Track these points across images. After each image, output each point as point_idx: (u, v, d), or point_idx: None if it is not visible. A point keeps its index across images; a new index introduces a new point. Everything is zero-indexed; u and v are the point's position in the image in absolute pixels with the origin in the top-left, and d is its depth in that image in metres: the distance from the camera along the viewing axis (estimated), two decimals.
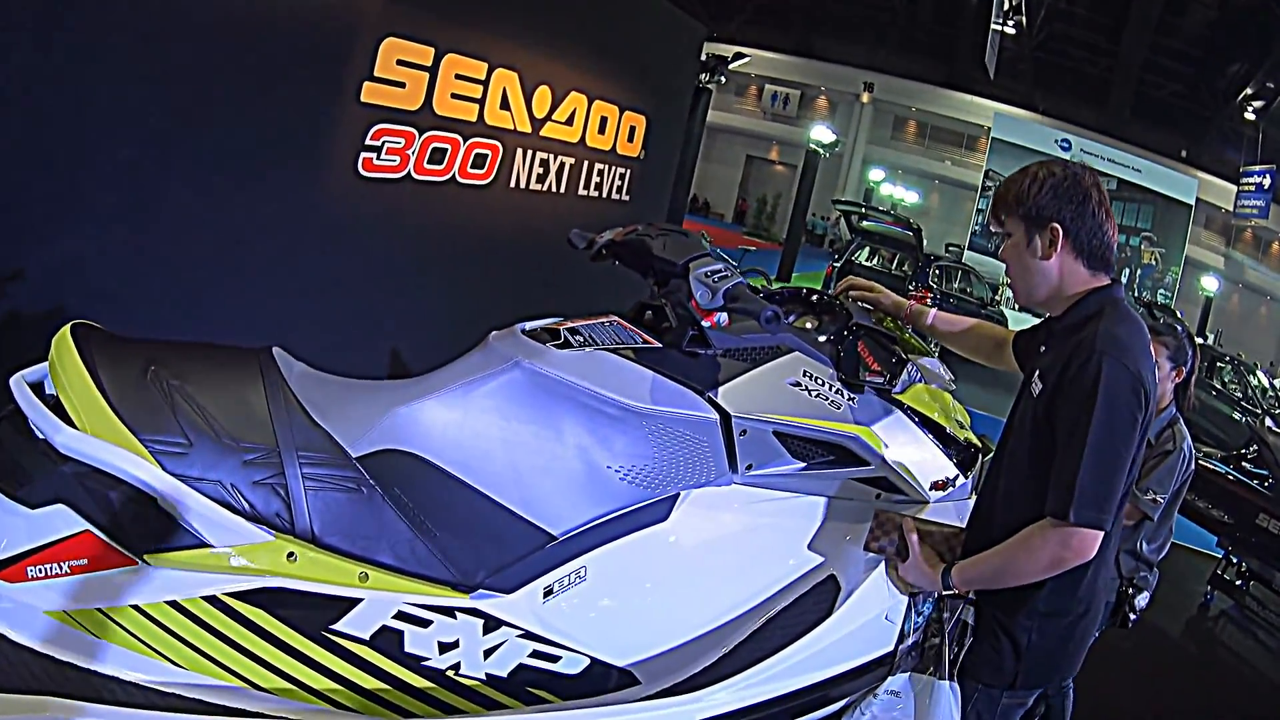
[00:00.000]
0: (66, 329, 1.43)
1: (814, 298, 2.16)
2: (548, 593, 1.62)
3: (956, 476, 2.03)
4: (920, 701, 1.73)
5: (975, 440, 2.17)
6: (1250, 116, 16.66)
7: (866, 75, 24.25)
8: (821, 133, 16.66)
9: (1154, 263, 18.63)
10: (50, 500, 1.33)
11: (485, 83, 3.59)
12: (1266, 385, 10.46)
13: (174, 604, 1.36)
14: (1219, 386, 9.76)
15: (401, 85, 3.20)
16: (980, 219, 22.81)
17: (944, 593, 1.72)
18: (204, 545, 1.37)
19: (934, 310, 2.13)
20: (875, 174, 23.92)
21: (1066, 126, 20.19)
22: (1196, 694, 4.01)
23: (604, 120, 4.41)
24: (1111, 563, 1.80)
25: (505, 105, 3.74)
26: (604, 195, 4.60)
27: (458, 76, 3.45)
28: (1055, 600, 1.68)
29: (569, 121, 4.17)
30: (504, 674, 1.60)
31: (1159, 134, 17.90)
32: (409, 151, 3.33)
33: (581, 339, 1.74)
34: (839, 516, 1.92)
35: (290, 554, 1.41)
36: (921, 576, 1.76)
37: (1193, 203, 20.45)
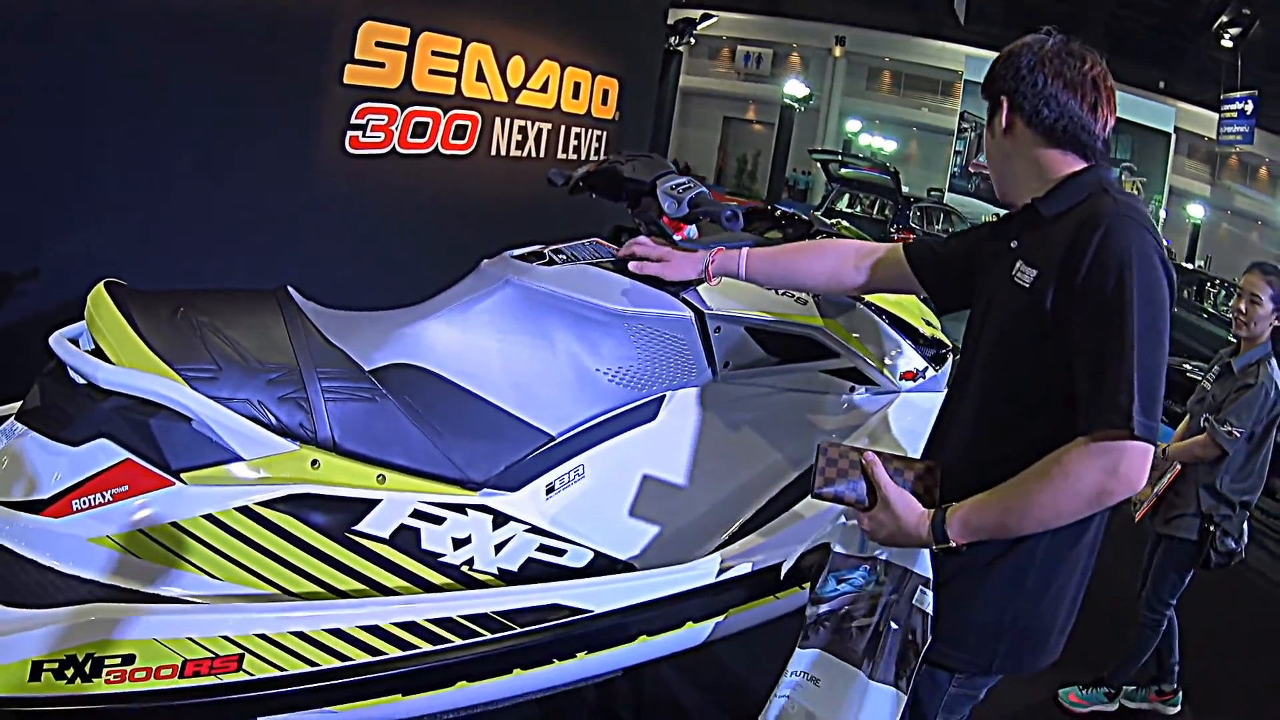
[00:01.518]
0: (101, 285, 1.56)
1: (778, 212, 2.30)
2: (549, 490, 1.77)
3: (926, 369, 2.16)
4: (843, 697, 1.36)
5: (945, 339, 2.30)
6: (1227, 44, 16.67)
7: (837, 29, 24.32)
8: (794, 87, 16.86)
9: (1136, 193, 18.71)
10: (92, 436, 1.44)
11: (460, 57, 3.72)
12: None
13: (209, 517, 1.48)
14: (1210, 310, 9.90)
15: (381, 65, 3.34)
16: (959, 160, 22.97)
17: (935, 547, 1.33)
18: (235, 459, 1.51)
19: (744, 251, 1.78)
20: (852, 125, 24.07)
21: None
22: None
23: (577, 85, 4.54)
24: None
25: (481, 77, 3.87)
26: (583, 157, 4.73)
27: (434, 53, 3.57)
28: (1051, 562, 1.37)
29: (544, 89, 4.30)
30: (514, 568, 1.74)
31: (1136, 67, 17.92)
32: (392, 127, 3.46)
33: (565, 257, 1.88)
34: (818, 410, 2.06)
35: (314, 461, 1.55)
36: (901, 527, 1.34)
37: (1171, 131, 20.66)
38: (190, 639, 1.37)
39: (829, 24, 23.95)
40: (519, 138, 4.20)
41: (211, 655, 1.38)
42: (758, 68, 25.41)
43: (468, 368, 1.72)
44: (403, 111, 3.47)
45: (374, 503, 1.59)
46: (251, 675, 1.40)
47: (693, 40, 6.45)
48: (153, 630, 1.35)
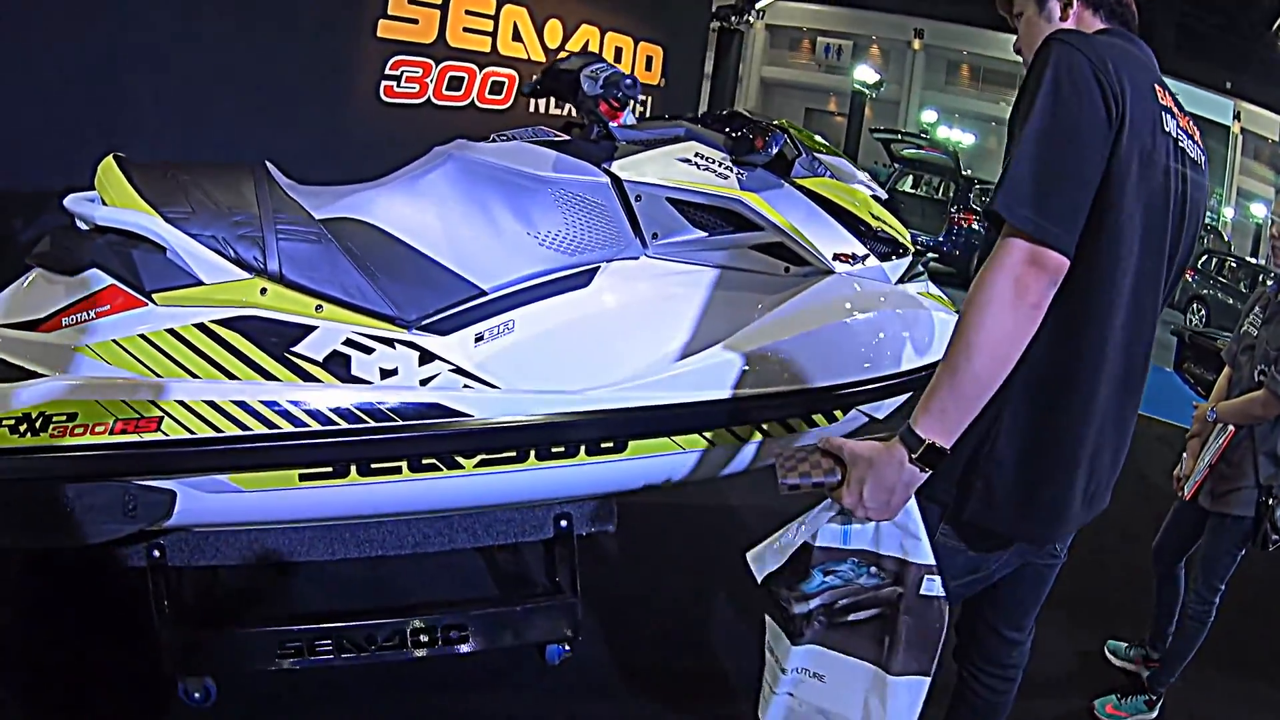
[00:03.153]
0: (110, 156, 1.87)
1: (725, 113, 2.43)
2: (478, 339, 1.95)
3: (866, 256, 2.23)
4: (856, 693, 1.34)
5: (902, 237, 2.36)
6: None
7: (916, 22, 24.07)
8: (864, 73, 16.76)
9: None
10: (86, 266, 1.74)
11: (495, 18, 4.01)
12: None
13: (172, 331, 1.74)
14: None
15: (415, 21, 3.66)
16: None
17: (921, 468, 1.21)
18: (197, 283, 1.77)
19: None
20: (928, 115, 23.73)
21: None
22: None
23: (619, 50, 4.76)
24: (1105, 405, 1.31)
25: (517, 37, 4.14)
26: None
27: (468, 13, 3.88)
28: (1036, 397, 1.29)
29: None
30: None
31: (1202, 66, 17.10)
32: (427, 80, 3.77)
33: (506, 137, 2.08)
34: (750, 288, 2.17)
35: (263, 289, 1.79)
36: (876, 466, 1.22)
37: (1229, 124, 20.27)
38: (124, 401, 1.64)
39: (908, 16, 23.78)
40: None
41: (138, 416, 1.64)
42: (838, 59, 25.27)
43: (409, 225, 1.93)
44: (437, 65, 3.78)
45: (311, 328, 1.82)
46: (167, 435, 1.65)
47: (752, 19, 6.54)
48: (94, 394, 1.63)
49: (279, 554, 1.96)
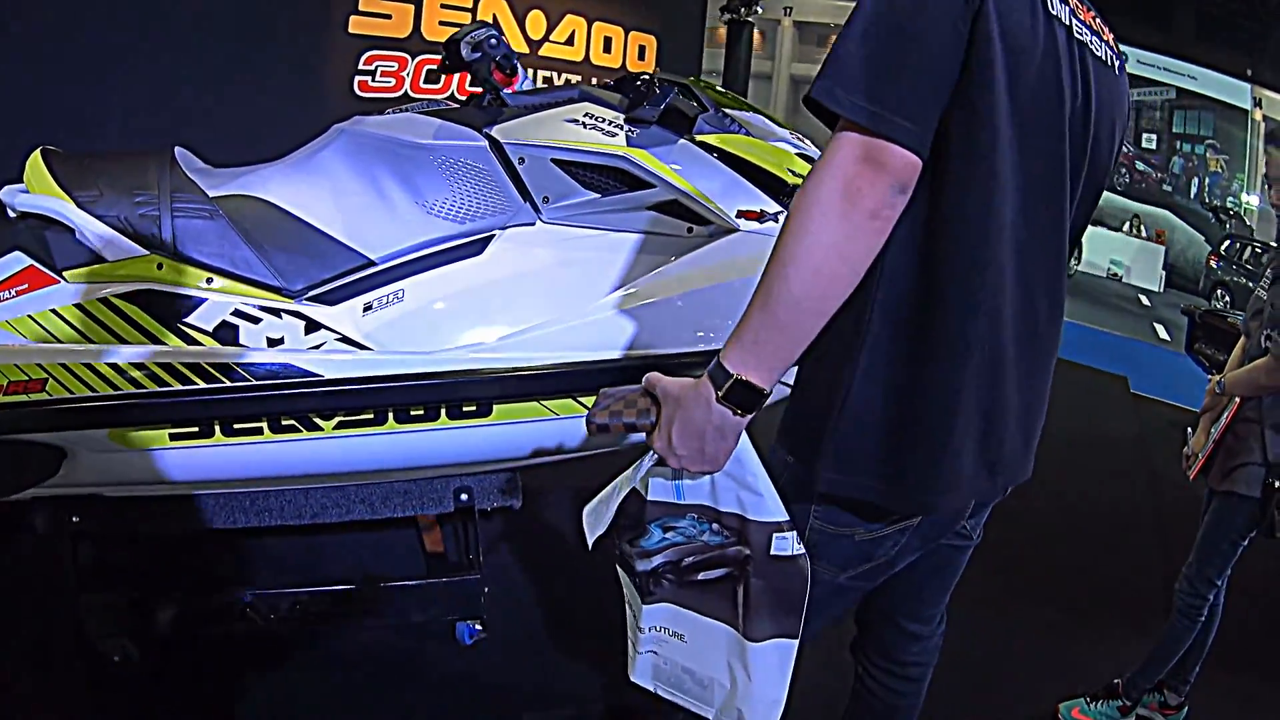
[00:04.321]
0: (39, 149, 2.01)
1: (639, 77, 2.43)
2: (367, 308, 2.02)
3: (779, 213, 2.19)
4: (716, 651, 1.23)
5: None
6: None
7: None
8: None
9: (1220, 170, 17.35)
10: (9, 249, 1.90)
11: (473, 10, 4.10)
12: None
13: (79, 305, 1.88)
14: None
15: (388, 17, 3.78)
16: None
17: (734, 410, 1.03)
18: (101, 260, 1.90)
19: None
20: None
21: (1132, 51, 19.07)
22: None
23: (608, 40, 4.80)
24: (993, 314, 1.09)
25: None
26: None
27: (444, 6, 3.98)
28: (895, 335, 1.07)
29: (569, 41, 4.60)
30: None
31: (1222, 52, 16.36)
32: (403, 73, 3.89)
33: (402, 110, 2.15)
34: (651, 250, 2.18)
35: (159, 264, 1.91)
36: (684, 404, 1.05)
37: (1248, 107, 19.49)
38: (15, 365, 1.79)
39: None
40: (544, 86, 4.51)
41: (27, 378, 1.77)
42: None
43: (300, 200, 2.02)
44: (413, 59, 3.89)
45: (201, 300, 1.92)
46: (50, 395, 1.78)
47: (760, 10, 6.45)
48: None
49: (185, 522, 2.07)
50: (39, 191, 1.89)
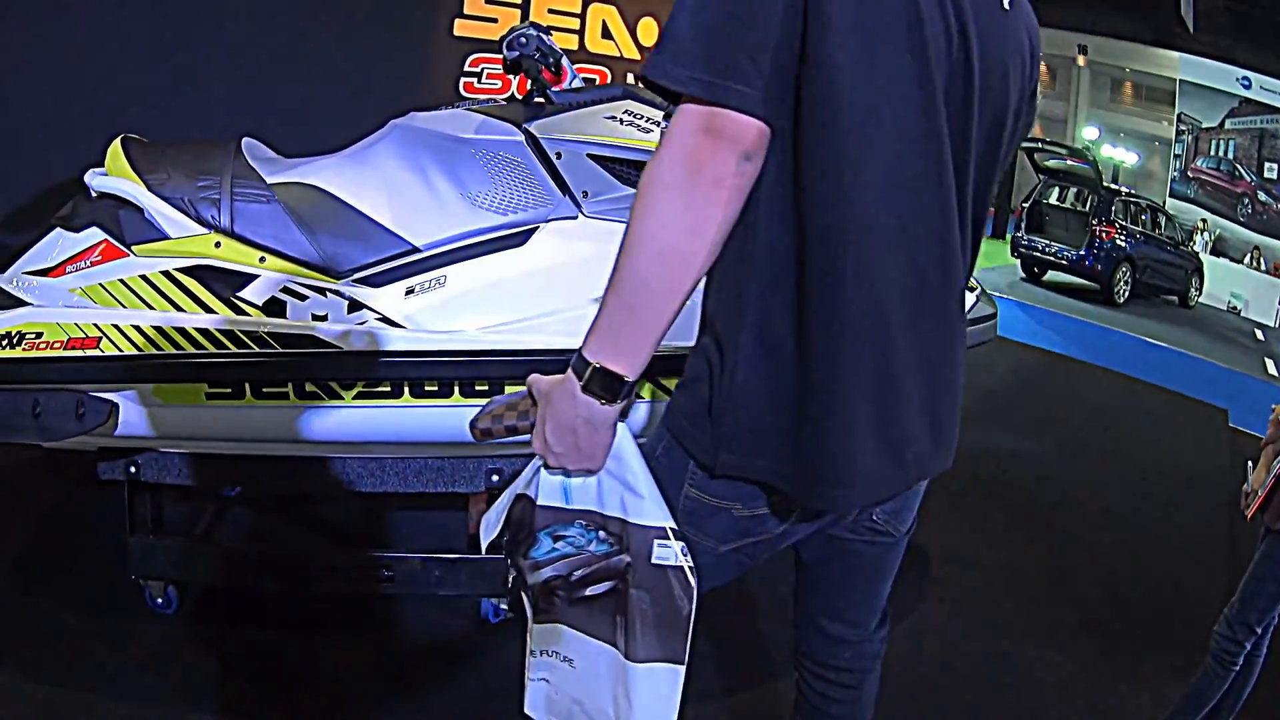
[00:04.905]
0: (119, 138, 2.20)
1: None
2: (409, 291, 2.08)
3: None
4: (605, 681, 1.12)
5: None
6: None
7: (1079, 38, 21.82)
8: None
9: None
10: (88, 225, 2.08)
11: (581, 15, 4.17)
12: None
13: (144, 277, 2.04)
14: None
15: (493, 20, 3.90)
16: (1177, 164, 20.39)
17: (600, 400, 0.98)
18: (165, 237, 2.05)
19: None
20: (1090, 132, 21.36)
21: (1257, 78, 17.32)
22: None
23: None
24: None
25: (607, 35, 4.28)
26: None
27: (550, 11, 4.07)
28: (781, 314, 1.01)
29: None
30: None
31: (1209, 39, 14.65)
32: (511, 75, 3.99)
33: (453, 106, 2.22)
34: None
35: (217, 243, 2.04)
36: (551, 400, 1.01)
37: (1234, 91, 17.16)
38: (75, 324, 1.95)
39: (1070, 31, 21.75)
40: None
41: (84, 335, 1.93)
42: None
43: (352, 189, 2.11)
44: None
45: (254, 277, 2.04)
46: (103, 351, 1.94)
47: None
48: (56, 317, 1.96)
49: (231, 479, 2.20)
50: (115, 174, 2.07)
